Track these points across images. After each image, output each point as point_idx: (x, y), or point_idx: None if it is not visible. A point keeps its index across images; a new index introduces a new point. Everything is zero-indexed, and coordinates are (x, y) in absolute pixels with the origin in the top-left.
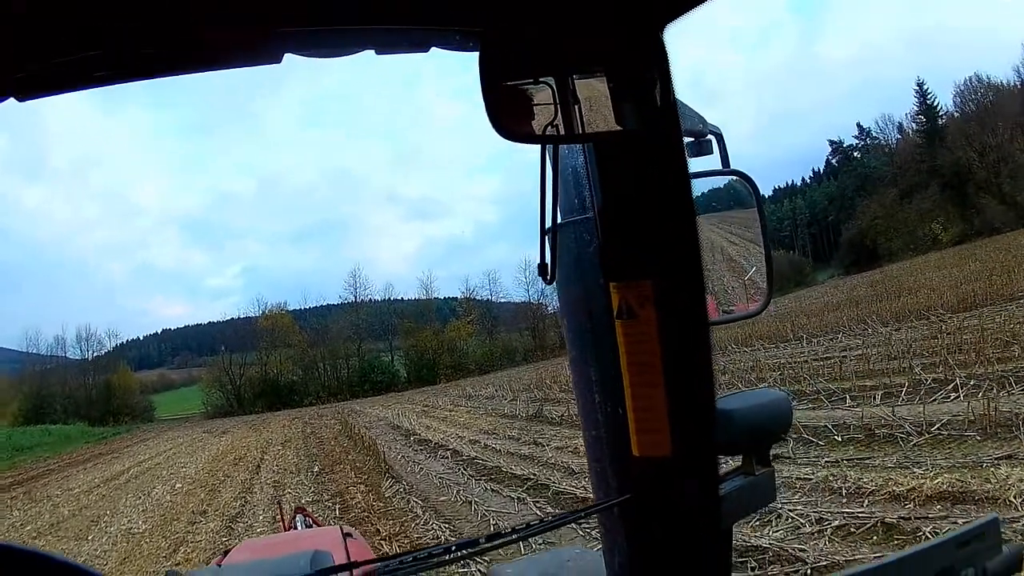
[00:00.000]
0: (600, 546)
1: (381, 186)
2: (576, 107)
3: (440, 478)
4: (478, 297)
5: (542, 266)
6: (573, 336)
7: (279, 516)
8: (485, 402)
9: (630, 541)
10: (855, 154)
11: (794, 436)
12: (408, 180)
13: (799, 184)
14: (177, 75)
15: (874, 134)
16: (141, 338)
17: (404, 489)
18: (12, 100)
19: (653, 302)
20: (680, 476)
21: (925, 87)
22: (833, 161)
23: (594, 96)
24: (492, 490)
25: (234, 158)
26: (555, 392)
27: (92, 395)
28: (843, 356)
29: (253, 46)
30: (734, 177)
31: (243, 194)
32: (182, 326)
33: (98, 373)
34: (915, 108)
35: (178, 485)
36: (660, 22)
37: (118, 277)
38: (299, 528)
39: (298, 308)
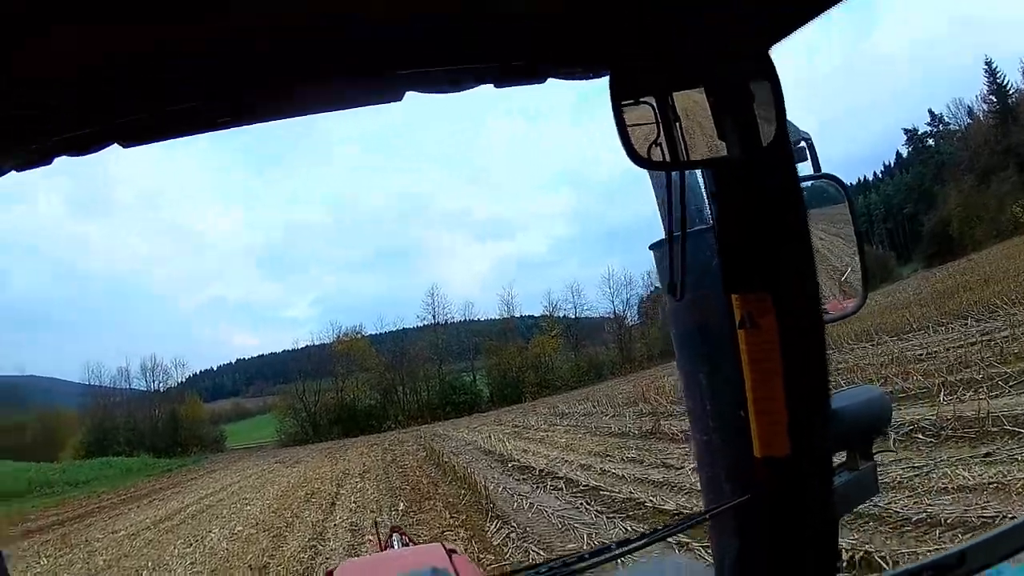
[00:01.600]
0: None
1: (451, 208)
2: (698, 131)
3: (560, 516)
4: (560, 313)
5: (671, 284)
6: (682, 344)
7: (375, 535)
8: (583, 420)
9: (746, 541)
10: (929, 141)
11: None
12: (477, 200)
13: (871, 180)
14: (297, 116)
15: (946, 119)
16: (215, 368)
17: (517, 534)
18: (116, 145)
19: (773, 312)
20: (799, 474)
21: (994, 66)
22: (905, 153)
23: (713, 118)
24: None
25: (302, 188)
26: (665, 404)
27: (158, 426)
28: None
29: (379, 87)
30: (826, 180)
31: (313, 223)
32: (256, 356)
33: (165, 403)
34: (984, 89)
35: (238, 528)
36: (768, 42)
37: (190, 310)
38: (396, 547)
39: (374, 333)
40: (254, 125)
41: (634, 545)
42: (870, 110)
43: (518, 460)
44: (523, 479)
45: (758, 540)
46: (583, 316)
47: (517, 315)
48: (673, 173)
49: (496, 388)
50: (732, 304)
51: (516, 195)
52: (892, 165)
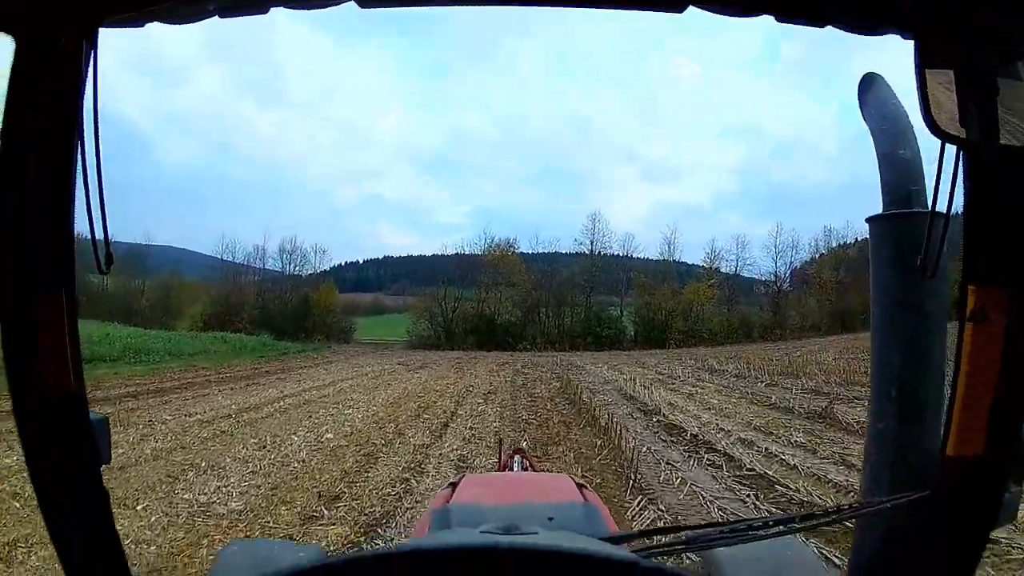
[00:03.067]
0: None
1: (622, 143)
2: (989, 108)
3: (721, 508)
4: (719, 265)
5: (923, 262)
6: (881, 326)
7: (498, 454)
8: (734, 381)
9: (898, 542)
10: None
11: None
12: (647, 139)
13: None
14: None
15: None
16: (361, 261)
17: (666, 521)
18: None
19: (1005, 309)
20: (987, 480)
21: None
22: None
23: (998, 99)
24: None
25: (476, 99)
26: (831, 385)
27: (287, 308)
28: None
29: None
30: None
31: (482, 135)
32: (405, 255)
33: (299, 287)
34: None
35: (327, 436)
36: None
37: (345, 203)
38: (516, 470)
39: (527, 252)
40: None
41: (784, 528)
42: None
43: (665, 416)
44: (671, 442)
45: (910, 544)
46: (742, 274)
47: (676, 259)
48: (947, 148)
49: (641, 328)
50: (965, 294)
51: (686, 140)
52: None
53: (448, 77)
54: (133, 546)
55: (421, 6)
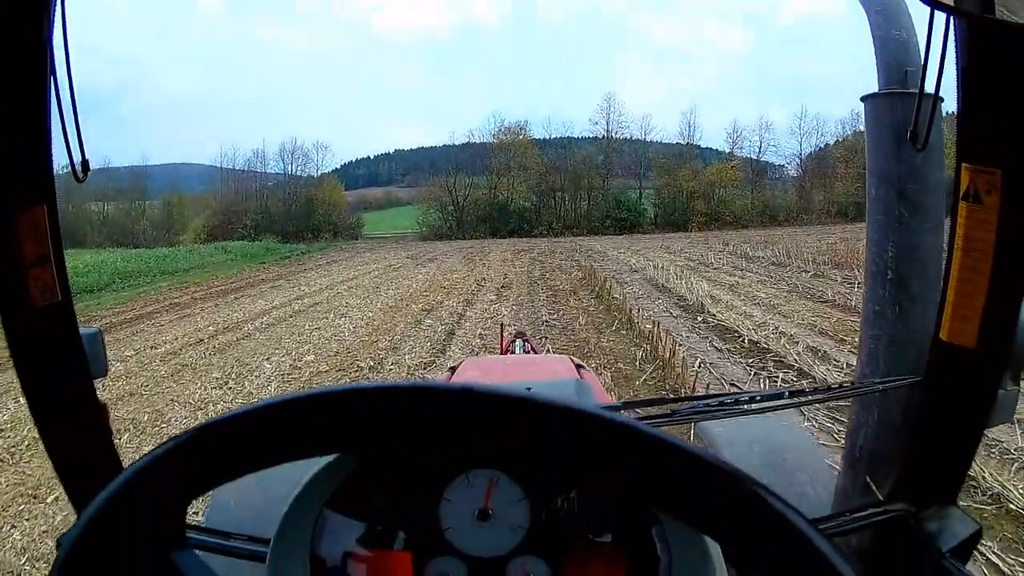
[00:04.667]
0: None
1: (631, 26)
2: None
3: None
4: (741, 149)
5: (913, 133)
6: (877, 206)
7: (499, 338)
8: (775, 270)
9: (892, 425)
10: None
11: None
12: (657, 23)
13: None
14: None
15: None
16: (372, 157)
17: None
18: None
19: (1000, 190)
20: (980, 369)
21: None
22: None
23: None
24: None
25: None
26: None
27: (292, 210)
28: None
29: None
30: None
31: (490, 25)
32: (416, 147)
33: (304, 188)
34: None
35: (309, 359)
36: None
37: (356, 104)
38: (518, 353)
39: (540, 138)
40: None
41: (773, 403)
42: None
43: (712, 314)
44: (728, 351)
45: (905, 428)
46: (765, 158)
47: (696, 143)
48: (936, 18)
49: (662, 211)
50: (959, 173)
51: (702, 24)
52: None
53: None
54: None
55: None
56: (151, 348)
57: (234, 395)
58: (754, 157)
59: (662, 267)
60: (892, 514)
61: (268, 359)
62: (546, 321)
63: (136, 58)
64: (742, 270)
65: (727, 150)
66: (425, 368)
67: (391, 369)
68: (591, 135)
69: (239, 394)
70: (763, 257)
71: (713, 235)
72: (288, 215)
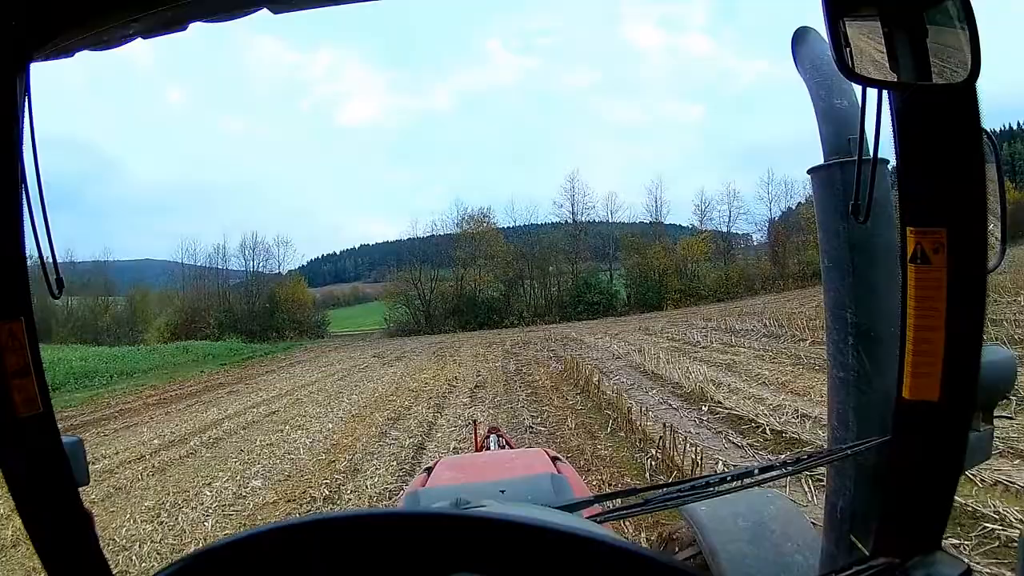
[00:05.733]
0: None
1: (588, 113)
2: (916, 51)
3: None
4: (712, 218)
5: (855, 206)
6: (832, 275)
7: (473, 434)
8: (769, 342)
9: (866, 484)
10: None
11: None
12: (614, 107)
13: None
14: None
15: None
16: (338, 252)
17: None
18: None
19: (946, 250)
20: (945, 423)
21: None
22: None
23: (925, 43)
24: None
25: (441, 82)
26: None
27: (255, 307)
28: None
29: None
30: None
31: (449, 116)
32: (381, 241)
33: (267, 285)
34: None
35: (254, 484)
36: None
37: (319, 198)
38: (492, 448)
39: (505, 227)
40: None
41: (741, 483)
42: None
43: (717, 401)
44: (751, 447)
45: (881, 484)
46: (734, 227)
47: (664, 218)
48: (869, 95)
49: (635, 290)
50: (905, 237)
51: (650, 102)
52: None
53: (409, 63)
54: None
55: (329, 6)
56: (88, 463)
57: (163, 533)
58: (723, 229)
59: (646, 351)
60: (878, 568)
61: (210, 484)
62: (529, 426)
63: (99, 147)
64: (734, 346)
65: (695, 224)
66: (389, 497)
67: (349, 499)
68: (557, 219)
69: (171, 530)
70: (752, 329)
71: (691, 311)
72: (251, 313)
